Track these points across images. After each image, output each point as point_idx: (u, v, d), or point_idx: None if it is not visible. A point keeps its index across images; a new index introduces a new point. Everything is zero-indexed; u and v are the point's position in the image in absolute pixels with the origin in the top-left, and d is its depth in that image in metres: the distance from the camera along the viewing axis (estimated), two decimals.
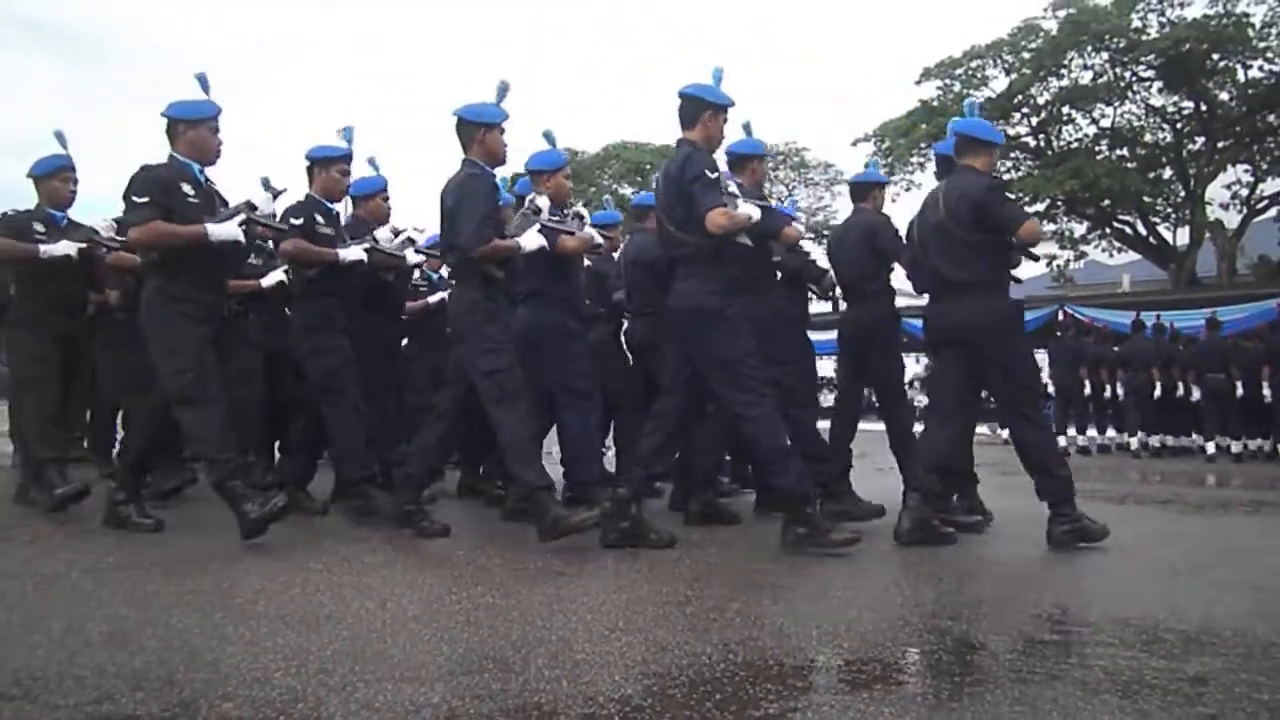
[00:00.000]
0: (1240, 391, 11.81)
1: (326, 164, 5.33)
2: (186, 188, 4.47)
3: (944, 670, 2.63)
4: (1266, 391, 11.65)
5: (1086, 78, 23.91)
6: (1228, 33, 21.35)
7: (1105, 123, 24.51)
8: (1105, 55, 23.39)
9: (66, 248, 5.23)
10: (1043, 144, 25.23)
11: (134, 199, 4.38)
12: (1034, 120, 25.02)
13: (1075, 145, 24.82)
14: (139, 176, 4.44)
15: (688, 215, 4.35)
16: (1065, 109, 24.75)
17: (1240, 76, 22.57)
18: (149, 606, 3.17)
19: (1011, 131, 25.15)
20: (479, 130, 4.65)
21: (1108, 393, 13.09)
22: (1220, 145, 23.18)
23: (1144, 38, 22.46)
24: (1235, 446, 11.81)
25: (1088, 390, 13.02)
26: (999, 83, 24.91)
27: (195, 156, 4.54)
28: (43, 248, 5.20)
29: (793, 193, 32.63)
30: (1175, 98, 23.61)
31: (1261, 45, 21.78)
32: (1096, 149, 24.43)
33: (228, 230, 4.48)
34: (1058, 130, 25.22)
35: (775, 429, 4.38)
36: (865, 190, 5.87)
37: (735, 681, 2.46)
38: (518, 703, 2.27)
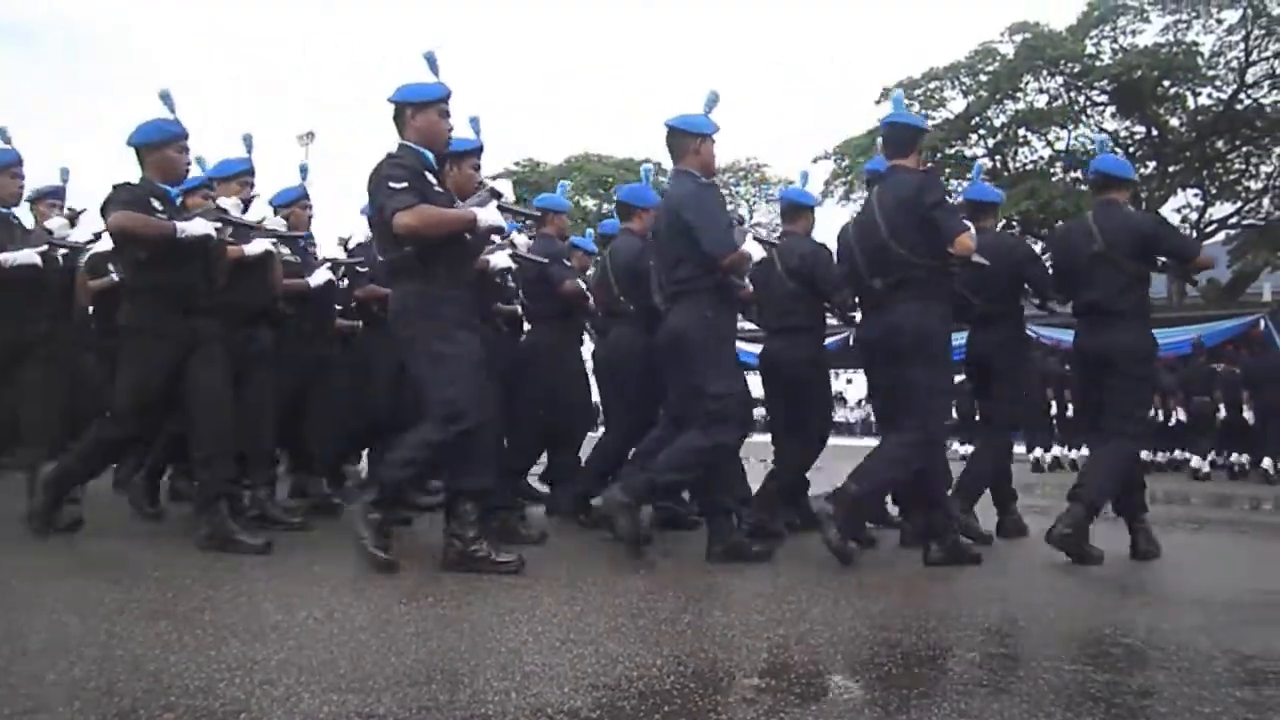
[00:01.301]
0: (1223, 413, 12.39)
1: (459, 159, 4.74)
2: (429, 177, 4.12)
3: (892, 682, 2.64)
4: (1248, 414, 12.24)
5: (1042, 101, 24.36)
6: (1178, 60, 21.88)
7: (1060, 145, 24.98)
8: (1060, 80, 23.86)
9: (204, 227, 4.38)
10: (999, 165, 25.62)
11: (391, 185, 3.96)
12: (990, 142, 25.43)
13: (1030, 167, 25.26)
14: (389, 163, 4.05)
15: (921, 239, 4.43)
16: (1021, 131, 25.20)
17: (1190, 103, 23.13)
18: (91, 614, 3.10)
19: (968, 152, 25.54)
20: (695, 140, 4.54)
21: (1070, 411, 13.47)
22: (1171, 170, 23.69)
23: (1097, 63, 22.96)
24: (1208, 463, 12.21)
25: (1054, 409, 13.31)
26: (957, 104, 25.31)
27: (426, 144, 4.16)
28: (179, 225, 4.33)
29: (753, 210, 32.84)
30: (1127, 122, 24.11)
31: (1210, 73, 22.36)
32: (1051, 171, 24.88)
33: (494, 216, 4.14)
34: (1014, 152, 25.65)
35: (912, 467, 4.51)
36: None
37: (685, 693, 2.45)
38: (465, 714, 2.25)
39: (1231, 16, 21.71)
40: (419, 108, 4.14)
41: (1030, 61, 23.24)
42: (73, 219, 5.58)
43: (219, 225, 4.52)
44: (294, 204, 5.68)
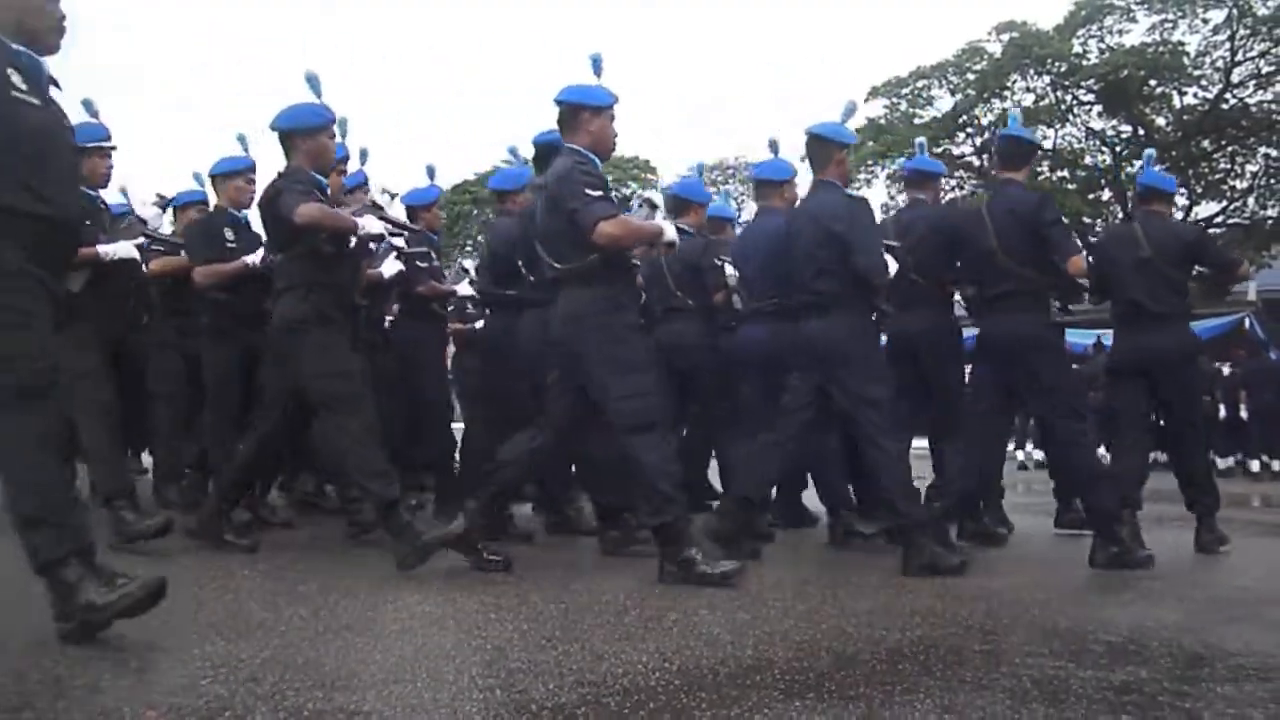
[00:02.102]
0: (1223, 413, 12.96)
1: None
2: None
3: (876, 679, 2.65)
4: (1244, 412, 12.90)
5: (1029, 100, 24.39)
6: (1164, 60, 21.95)
7: (1047, 144, 25.00)
8: (1047, 79, 23.91)
9: (378, 225, 4.19)
10: (986, 163, 25.65)
11: (588, 192, 3.84)
12: (978, 140, 25.46)
13: None
14: (579, 168, 3.91)
15: (1034, 252, 4.68)
16: None
17: (1176, 102, 23.22)
18: None
19: (956, 151, 25.60)
20: (838, 150, 4.62)
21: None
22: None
23: (1084, 63, 23.02)
24: (1221, 464, 12.55)
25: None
26: (944, 102, 25.33)
27: (595, 148, 4.04)
28: (359, 222, 4.15)
29: (742, 206, 32.81)
30: (1114, 121, 24.18)
31: (1196, 73, 22.44)
32: (1038, 170, 24.90)
33: (673, 232, 4.13)
34: None
35: (1095, 454, 4.91)
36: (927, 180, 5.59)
37: (670, 690, 2.46)
38: (450, 711, 2.25)
39: (1217, 16, 21.78)
40: (596, 112, 4.04)
41: (1017, 60, 23.28)
42: (163, 205, 5.30)
43: (388, 228, 4.33)
44: (356, 190, 5.46)
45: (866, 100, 25.87)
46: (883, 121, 25.44)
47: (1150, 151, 6.05)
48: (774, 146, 5.65)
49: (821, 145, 4.60)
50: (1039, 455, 13.56)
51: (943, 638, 3.14)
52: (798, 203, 5.20)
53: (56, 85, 2.90)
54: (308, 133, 4.19)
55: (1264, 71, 22.06)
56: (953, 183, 25.10)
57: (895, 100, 25.67)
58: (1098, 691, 2.55)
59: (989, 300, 4.83)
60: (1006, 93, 24.33)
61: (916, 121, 25.61)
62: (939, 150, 25.05)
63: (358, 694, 2.35)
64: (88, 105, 4.82)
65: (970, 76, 24.40)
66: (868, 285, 4.44)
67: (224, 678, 2.44)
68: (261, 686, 2.38)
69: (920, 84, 25.37)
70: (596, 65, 4.12)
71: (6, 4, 2.77)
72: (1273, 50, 21.64)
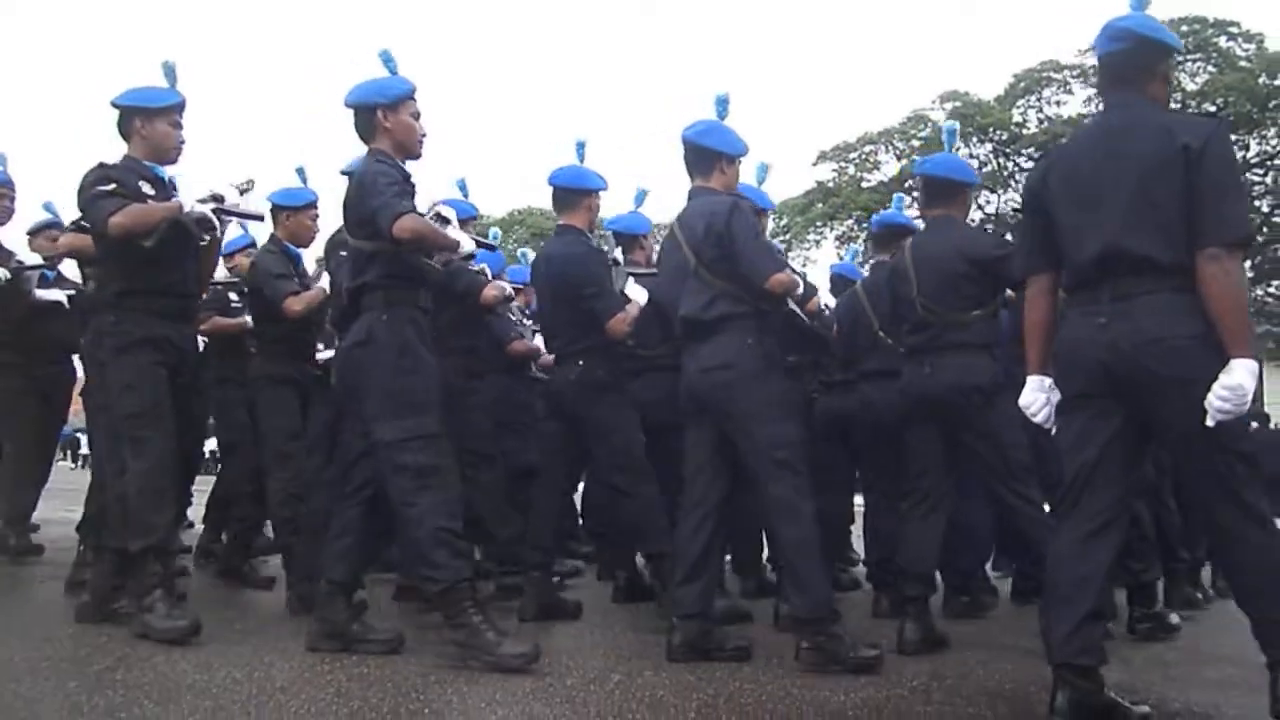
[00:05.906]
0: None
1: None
2: None
3: None
4: None
5: (972, 166, 25.10)
6: None
7: (990, 209, 25.64)
8: (989, 146, 24.62)
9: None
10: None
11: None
12: None
13: None
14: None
15: None
16: None
17: None
18: None
19: None
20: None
21: None
22: None
23: (1024, 131, 23.77)
24: None
25: None
26: (890, 167, 25.93)
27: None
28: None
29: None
30: None
31: None
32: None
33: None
34: None
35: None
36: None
37: None
38: None
39: None
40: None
41: (961, 128, 24.05)
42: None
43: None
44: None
45: (815, 164, 26.43)
46: (830, 184, 25.92)
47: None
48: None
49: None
50: None
51: (887, 699, 3.13)
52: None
53: None
54: (389, 107, 3.84)
55: None
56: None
57: (843, 164, 26.21)
58: None
59: None
60: None
61: (864, 185, 26.14)
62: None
63: None
64: (300, 172, 4.73)
65: (915, 143, 25.04)
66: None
67: None
68: None
69: (867, 149, 25.97)
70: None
71: None
72: None
